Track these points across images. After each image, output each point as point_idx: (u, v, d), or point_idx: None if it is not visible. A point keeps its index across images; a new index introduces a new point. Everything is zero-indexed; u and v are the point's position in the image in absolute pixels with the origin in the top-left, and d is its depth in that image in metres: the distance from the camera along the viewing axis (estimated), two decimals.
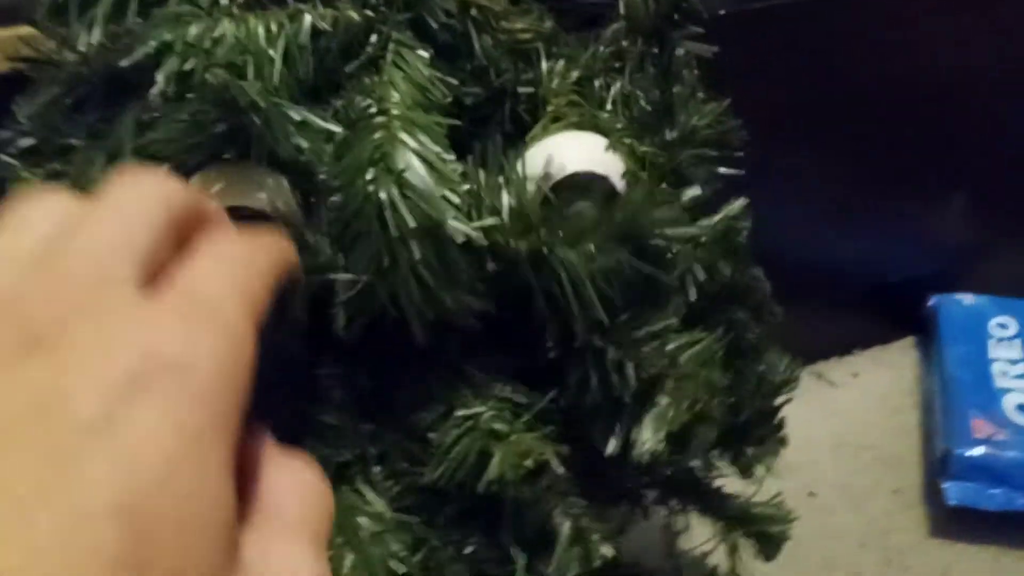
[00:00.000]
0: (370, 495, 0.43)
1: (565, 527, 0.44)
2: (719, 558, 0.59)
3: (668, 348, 0.44)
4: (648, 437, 0.44)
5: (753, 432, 0.57)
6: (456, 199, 0.39)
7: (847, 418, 0.86)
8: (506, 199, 0.38)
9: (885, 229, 0.90)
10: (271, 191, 0.40)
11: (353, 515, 0.42)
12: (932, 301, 0.90)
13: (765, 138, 0.78)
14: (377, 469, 0.44)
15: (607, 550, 0.45)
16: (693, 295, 0.47)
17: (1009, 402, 0.78)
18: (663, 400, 0.44)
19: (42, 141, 0.45)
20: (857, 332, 0.94)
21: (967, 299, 0.89)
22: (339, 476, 0.43)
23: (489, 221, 0.38)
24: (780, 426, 0.59)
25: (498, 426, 0.43)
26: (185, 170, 0.40)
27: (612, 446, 0.44)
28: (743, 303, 0.53)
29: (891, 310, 0.94)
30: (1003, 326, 0.85)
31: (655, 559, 0.60)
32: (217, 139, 0.39)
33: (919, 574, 0.72)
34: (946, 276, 0.92)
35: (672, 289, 0.44)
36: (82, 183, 0.43)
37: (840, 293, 0.92)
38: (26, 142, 0.45)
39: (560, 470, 0.43)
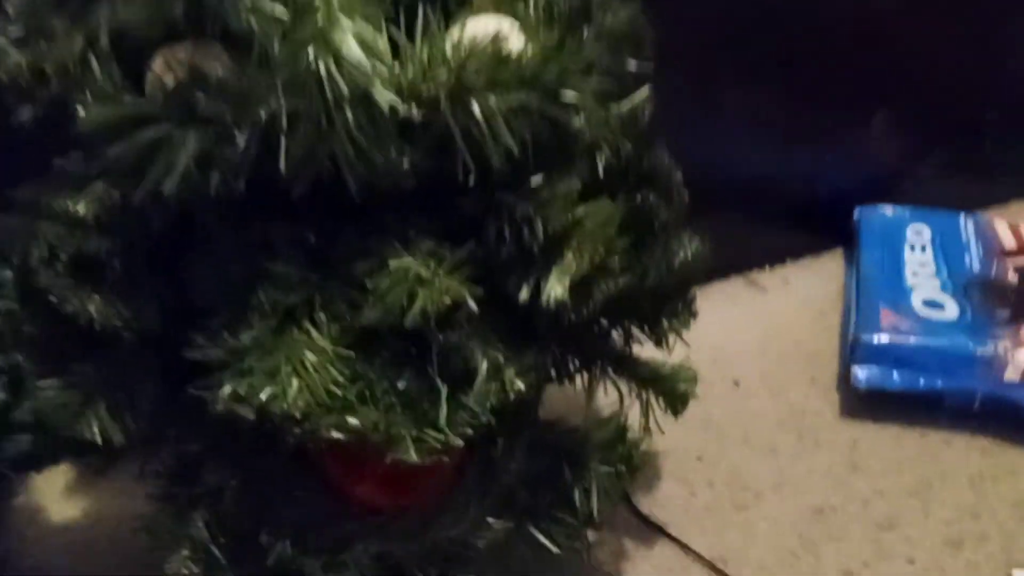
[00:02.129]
0: (315, 334, 0.50)
1: (483, 364, 0.52)
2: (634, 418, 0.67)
3: (573, 210, 0.51)
4: (555, 285, 0.51)
5: (665, 303, 0.64)
6: (385, 72, 0.46)
7: (775, 319, 0.93)
8: (426, 54, 0.45)
9: (815, 145, 0.96)
10: (225, 65, 0.47)
11: (299, 349, 0.49)
12: (857, 212, 0.97)
13: (696, 58, 0.85)
14: (321, 315, 0.51)
15: (520, 384, 0.52)
16: (600, 167, 0.54)
17: (916, 297, 0.85)
18: (568, 254, 0.51)
19: (29, 29, 0.51)
20: (789, 243, 1.01)
21: (888, 210, 0.96)
22: (288, 318, 0.50)
23: (411, 72, 0.45)
24: (691, 300, 0.66)
25: (424, 273, 0.50)
26: (150, 46, 0.47)
27: (524, 293, 0.51)
28: (651, 185, 0.60)
29: (821, 222, 1.01)
30: (918, 233, 0.93)
31: (575, 419, 0.67)
32: (177, 18, 0.46)
33: (829, 448, 0.80)
34: (872, 189, 1.00)
35: (578, 152, 0.51)
36: (61, 64, 0.49)
37: (773, 206, 0.98)
38: (15, 31, 0.52)
39: (474, 308, 0.50)
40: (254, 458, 0.57)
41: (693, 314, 0.66)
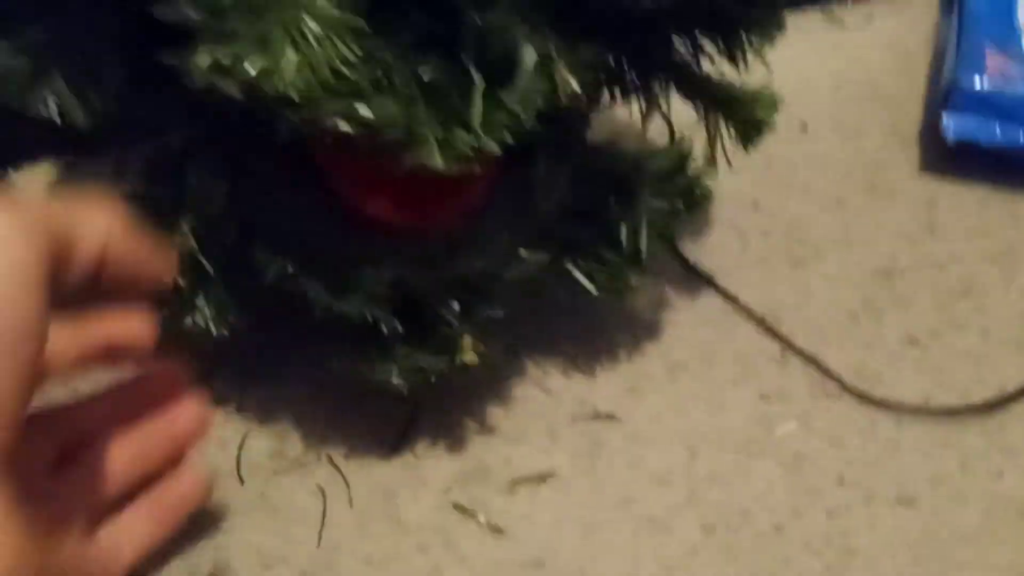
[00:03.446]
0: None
1: (529, 53, 0.41)
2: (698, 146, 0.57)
3: None
4: None
5: (748, 9, 0.53)
6: None
7: (853, 59, 0.81)
8: None
9: None
10: None
11: (298, 13, 0.39)
12: None
13: None
14: None
15: (574, 83, 0.42)
16: None
17: None
18: None
19: None
20: None
21: None
22: None
23: None
24: (779, 9, 0.54)
25: None
26: None
27: None
28: None
29: None
30: None
31: (630, 142, 0.57)
32: None
33: (903, 205, 0.71)
34: None
35: None
36: None
37: None
38: None
39: None
40: (246, 156, 0.47)
41: (780, 27, 0.55)
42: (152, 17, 0.42)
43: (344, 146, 0.43)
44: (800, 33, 0.83)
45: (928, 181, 0.73)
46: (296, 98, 0.38)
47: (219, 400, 0.60)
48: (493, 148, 0.41)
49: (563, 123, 0.49)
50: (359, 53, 0.39)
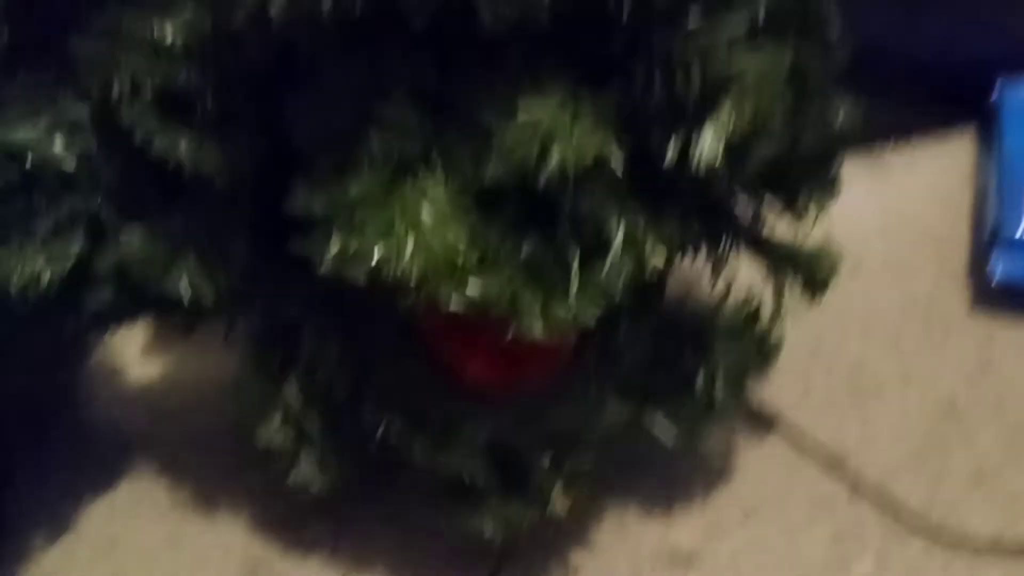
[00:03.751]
0: (433, 189, 0.44)
1: (619, 232, 0.45)
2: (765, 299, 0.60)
3: (734, 58, 0.44)
4: (707, 145, 0.44)
5: (808, 173, 0.57)
6: None
7: (899, 199, 0.86)
8: None
9: (950, 9, 0.86)
10: None
11: (417, 204, 0.43)
12: (996, 89, 0.87)
13: None
14: (439, 167, 0.45)
15: (659, 258, 0.46)
16: (761, 11, 0.46)
17: None
18: (725, 108, 0.44)
19: None
20: (917, 118, 0.92)
21: None
22: (402, 170, 0.44)
23: None
24: (836, 171, 0.59)
25: (560, 126, 0.43)
26: None
27: (671, 152, 0.45)
28: (810, 35, 0.52)
29: (953, 98, 0.91)
30: None
31: (701, 294, 0.61)
32: None
33: (958, 342, 0.74)
34: (1014, 61, 0.90)
35: None
36: None
37: (900, 77, 0.89)
38: None
39: (619, 168, 0.43)
40: (356, 324, 0.51)
41: (837, 188, 0.59)
42: (278, 204, 0.47)
43: (450, 317, 0.47)
44: (847, 178, 0.88)
45: (981, 318, 0.75)
46: (414, 281, 0.43)
47: (313, 545, 0.62)
48: (588, 321, 0.45)
49: (644, 291, 0.53)
50: (468, 237, 0.44)
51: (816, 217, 0.59)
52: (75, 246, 0.52)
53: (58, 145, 0.51)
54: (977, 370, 0.72)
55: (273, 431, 0.54)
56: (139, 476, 0.67)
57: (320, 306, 0.52)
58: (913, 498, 0.63)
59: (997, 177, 0.80)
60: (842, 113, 0.56)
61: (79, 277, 0.53)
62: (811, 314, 0.75)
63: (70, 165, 0.52)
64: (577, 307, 0.44)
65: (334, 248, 0.43)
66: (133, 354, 0.74)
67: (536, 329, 0.44)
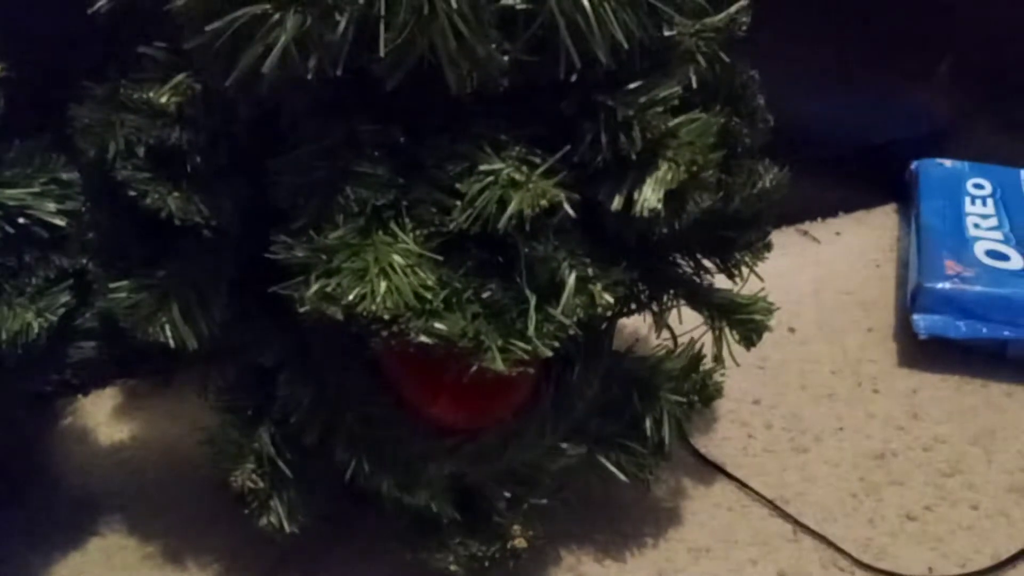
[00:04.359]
0: (402, 236, 0.49)
1: (572, 276, 0.50)
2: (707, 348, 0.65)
3: (672, 118, 0.50)
4: (649, 195, 0.49)
5: (741, 231, 0.63)
6: None
7: (828, 269, 0.92)
8: None
9: (870, 95, 0.95)
10: None
11: (387, 251, 0.48)
12: (914, 165, 0.95)
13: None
14: (407, 218, 0.49)
15: (608, 297, 0.51)
16: (694, 79, 0.52)
17: (979, 248, 0.83)
18: (664, 163, 0.50)
19: None
20: (842, 196, 0.99)
21: (947, 163, 0.94)
22: (374, 220, 0.49)
23: None
24: (766, 232, 0.64)
25: (517, 177, 0.48)
26: None
27: (617, 202, 0.50)
28: (738, 105, 0.58)
29: (875, 175, 0.99)
30: (979, 187, 0.91)
31: (646, 345, 0.66)
32: None
33: (887, 396, 0.79)
34: (929, 143, 0.98)
35: (677, 58, 0.49)
36: None
37: (825, 157, 0.97)
38: None
39: (572, 212, 0.48)
40: (327, 372, 0.55)
41: (768, 247, 0.65)
42: (258, 254, 0.51)
43: (414, 360, 0.51)
44: (779, 248, 0.93)
45: (908, 373, 0.81)
46: (387, 318, 0.47)
47: None
48: (545, 352, 0.49)
49: (595, 334, 0.57)
50: (436, 279, 0.48)
51: (750, 273, 0.65)
52: (63, 299, 0.55)
53: (50, 205, 0.55)
54: (905, 420, 0.77)
55: (246, 476, 0.57)
56: (108, 533, 0.68)
57: (294, 354, 0.55)
58: (850, 537, 0.68)
59: (916, 242, 0.87)
60: (770, 178, 0.62)
61: (66, 330, 0.57)
62: (751, 373, 0.81)
63: (60, 223, 0.56)
64: (535, 343, 0.49)
65: (314, 288, 0.47)
66: (104, 416, 0.76)
67: (497, 363, 0.48)
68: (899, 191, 0.99)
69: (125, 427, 0.75)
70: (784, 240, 0.97)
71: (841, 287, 0.90)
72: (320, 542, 0.64)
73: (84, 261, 0.56)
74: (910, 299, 0.82)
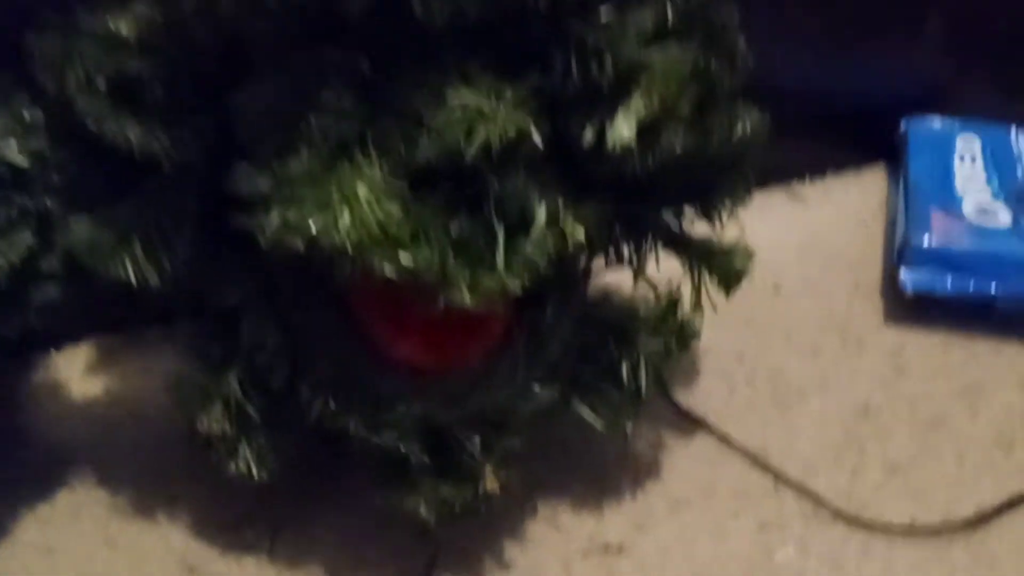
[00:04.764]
0: (368, 168, 0.48)
1: (542, 210, 0.49)
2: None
3: (645, 48, 0.48)
4: (621, 127, 0.48)
5: (721, 176, 0.61)
6: None
7: (816, 228, 0.90)
8: None
9: (860, 55, 0.93)
10: None
11: (352, 181, 0.47)
12: (904, 123, 0.94)
13: None
14: (374, 149, 0.48)
15: (579, 233, 0.50)
16: (670, 10, 0.51)
17: (968, 204, 0.82)
18: (636, 95, 0.48)
19: None
20: (830, 156, 0.98)
21: (936, 121, 0.93)
22: (339, 151, 0.48)
23: None
24: (747, 177, 0.63)
25: (485, 108, 0.47)
26: None
27: (589, 134, 0.49)
28: (717, 45, 0.57)
29: (865, 135, 0.97)
30: (968, 144, 0.90)
31: (623, 292, 0.65)
32: None
33: (874, 352, 0.78)
34: (918, 103, 0.96)
35: None
36: None
37: (814, 117, 0.95)
38: None
39: (539, 143, 0.47)
40: (293, 312, 0.54)
41: (748, 192, 0.64)
42: (221, 192, 0.49)
43: (383, 296, 0.50)
44: (766, 208, 0.93)
45: (893, 330, 0.80)
46: (350, 249, 0.45)
47: (250, 547, 0.63)
48: (515, 287, 0.48)
49: (567, 275, 0.56)
50: (401, 212, 0.47)
51: (729, 218, 0.64)
52: (25, 239, 0.54)
53: (12, 143, 0.54)
54: (890, 375, 0.76)
55: (214, 420, 0.55)
56: (78, 485, 0.67)
57: (260, 293, 0.54)
58: (832, 490, 0.67)
59: (904, 199, 0.86)
60: (750, 122, 0.61)
61: (28, 271, 0.55)
62: (735, 329, 0.80)
63: (23, 164, 0.54)
64: (504, 278, 0.48)
65: (275, 221, 0.45)
66: (76, 371, 0.75)
67: (465, 298, 0.47)
68: (889, 151, 0.98)
69: (98, 382, 0.74)
70: (771, 201, 0.96)
71: (828, 246, 0.89)
72: (290, 492, 0.63)
73: (47, 201, 0.55)
74: (897, 255, 0.81)
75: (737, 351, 0.78)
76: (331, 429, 0.54)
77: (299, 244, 0.45)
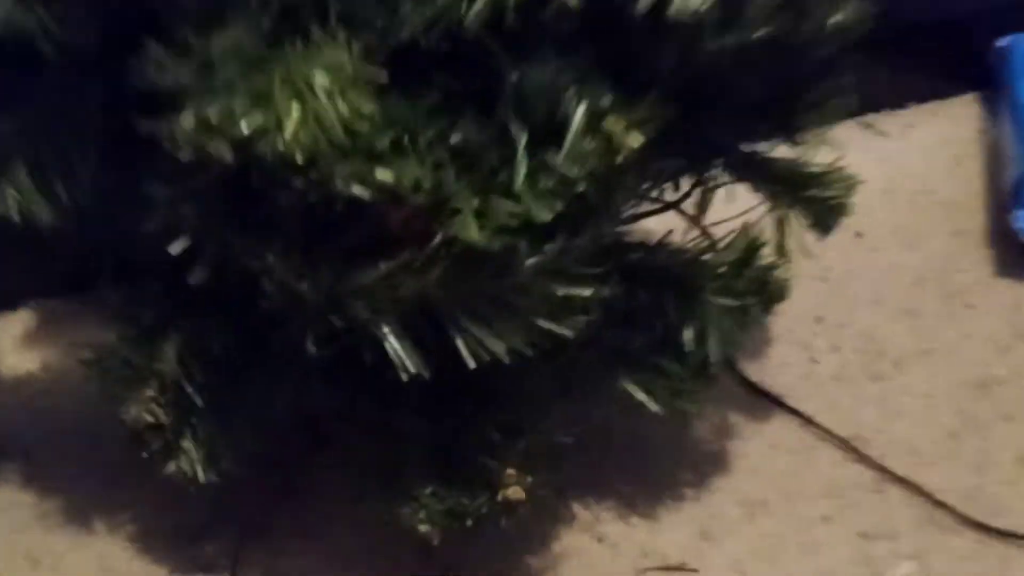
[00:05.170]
0: (329, 50, 0.34)
1: (580, 108, 0.35)
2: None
3: None
4: None
5: (811, 83, 0.47)
6: None
7: (900, 166, 0.77)
8: None
9: None
10: None
11: (304, 65, 0.33)
12: (1003, 42, 0.80)
13: None
14: (337, 22, 0.34)
15: (634, 139, 0.35)
16: None
17: None
18: None
19: None
20: (911, 84, 0.84)
21: None
22: (287, 21, 0.34)
23: None
24: (842, 85, 0.49)
25: None
26: None
27: (644, 2, 0.34)
28: None
29: (950, 59, 0.84)
30: None
31: (680, 237, 0.51)
32: None
33: (985, 312, 0.64)
34: (1015, 16, 0.82)
35: None
36: None
37: (890, 38, 0.82)
38: None
39: (574, 3, 0.33)
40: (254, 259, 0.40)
41: (846, 105, 0.49)
42: (129, 96, 0.36)
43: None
44: (842, 144, 0.80)
45: (1008, 284, 0.66)
46: (300, 159, 0.32)
47: (210, 566, 0.51)
48: (542, 216, 0.34)
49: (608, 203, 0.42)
50: (376, 109, 0.33)
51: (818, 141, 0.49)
52: None
53: None
54: (1011, 339, 0.62)
55: (144, 407, 0.42)
56: (2, 485, 0.55)
57: (204, 235, 0.40)
58: (952, 487, 0.53)
59: (1013, 129, 0.72)
60: (848, 9, 0.47)
61: None
62: (810, 285, 0.66)
63: None
64: (525, 201, 0.33)
65: (189, 118, 0.32)
66: (10, 343, 0.63)
67: (472, 231, 0.33)
68: (980, 77, 0.84)
69: (35, 355, 0.62)
70: (845, 135, 0.82)
71: (917, 186, 0.75)
72: (257, 496, 0.50)
73: None
74: (1010, 194, 0.68)
75: (815, 313, 0.65)
76: (306, 425, 0.40)
77: (226, 152, 0.31)
